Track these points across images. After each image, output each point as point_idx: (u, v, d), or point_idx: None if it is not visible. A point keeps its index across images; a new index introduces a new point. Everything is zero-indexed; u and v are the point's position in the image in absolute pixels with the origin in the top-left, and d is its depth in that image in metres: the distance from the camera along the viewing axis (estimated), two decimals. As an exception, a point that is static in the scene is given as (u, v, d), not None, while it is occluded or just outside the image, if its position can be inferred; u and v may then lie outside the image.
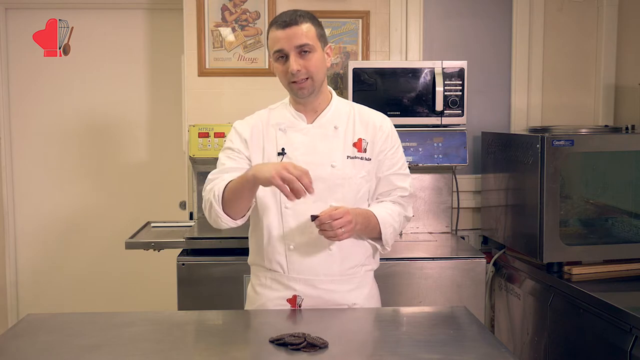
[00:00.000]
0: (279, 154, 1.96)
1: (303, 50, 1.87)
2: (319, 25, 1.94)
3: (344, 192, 1.94)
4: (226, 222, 1.90)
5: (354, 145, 1.97)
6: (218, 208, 1.87)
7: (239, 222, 1.92)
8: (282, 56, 1.89)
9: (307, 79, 1.90)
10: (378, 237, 1.98)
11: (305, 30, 1.88)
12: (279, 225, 1.94)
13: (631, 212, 2.85)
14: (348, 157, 1.96)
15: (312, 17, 1.93)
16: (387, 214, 1.97)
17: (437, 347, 1.64)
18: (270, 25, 1.93)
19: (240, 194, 1.84)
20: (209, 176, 1.98)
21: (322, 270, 1.94)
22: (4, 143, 3.80)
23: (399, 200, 2.03)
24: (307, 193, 1.72)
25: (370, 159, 1.98)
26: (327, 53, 1.96)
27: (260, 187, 1.84)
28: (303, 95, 1.93)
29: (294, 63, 1.87)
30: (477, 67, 3.33)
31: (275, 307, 1.97)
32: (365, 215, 1.92)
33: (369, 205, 2.02)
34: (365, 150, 1.97)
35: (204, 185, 1.98)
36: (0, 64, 3.75)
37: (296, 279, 1.95)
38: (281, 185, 1.71)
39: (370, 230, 1.95)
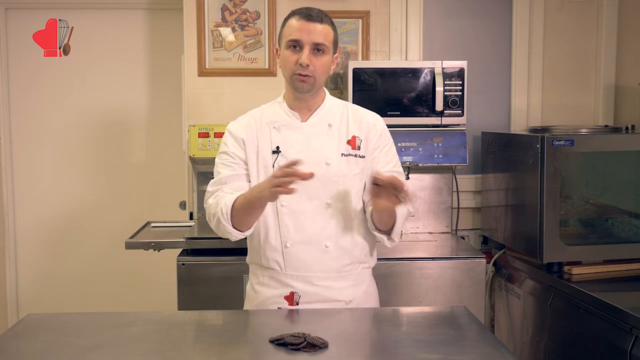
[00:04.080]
0: (273, 152, 1.97)
1: (317, 49, 1.90)
2: (336, 32, 1.98)
3: (339, 190, 1.95)
4: (236, 236, 1.95)
5: (348, 142, 1.99)
6: (227, 225, 1.90)
7: (247, 233, 1.96)
8: (295, 46, 1.91)
9: (311, 76, 1.91)
10: (387, 232, 1.96)
11: (326, 32, 1.92)
12: (275, 224, 1.96)
13: (631, 212, 2.85)
14: (342, 154, 1.97)
15: (333, 23, 1.97)
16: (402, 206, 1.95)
17: (437, 347, 1.64)
18: (292, 14, 1.94)
19: (251, 211, 1.89)
20: (208, 188, 2.02)
21: (318, 267, 1.95)
22: (4, 143, 3.80)
23: None
24: (306, 178, 1.72)
25: (364, 157, 1.99)
26: (333, 60, 1.98)
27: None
28: (302, 90, 1.94)
29: (306, 57, 1.88)
30: (477, 67, 3.33)
31: (273, 305, 1.97)
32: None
33: (363, 203, 2.01)
34: (359, 148, 1.99)
35: (205, 197, 2.02)
36: (0, 64, 3.75)
37: (293, 276, 1.96)
38: (283, 192, 1.74)
39: (390, 220, 1.93)
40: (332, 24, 1.96)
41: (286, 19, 1.96)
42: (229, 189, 1.96)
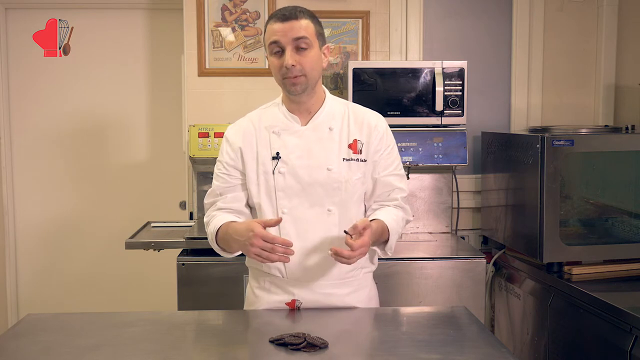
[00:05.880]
0: (273, 158, 1.93)
1: (300, 47, 1.84)
2: (318, 24, 1.91)
3: (341, 195, 1.92)
4: (227, 256, 2.00)
5: (349, 146, 1.94)
6: (217, 249, 1.98)
7: (237, 253, 1.98)
8: (278, 50, 1.86)
9: (301, 75, 1.86)
10: (382, 243, 1.95)
11: (304, 26, 1.85)
12: (277, 231, 1.91)
13: (631, 212, 2.85)
14: (344, 159, 1.93)
15: (312, 15, 1.90)
16: (393, 221, 1.94)
17: (437, 347, 1.64)
18: (269, 18, 1.89)
19: (230, 249, 1.93)
20: (205, 200, 2.04)
21: (320, 274, 1.93)
22: (4, 143, 3.80)
23: (401, 204, 2.00)
24: (288, 255, 1.76)
25: (365, 160, 1.95)
26: (324, 53, 1.92)
27: (257, 193, 1.94)
28: (296, 92, 1.89)
29: (290, 57, 1.83)
30: (477, 67, 3.33)
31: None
32: (381, 230, 1.89)
33: (365, 208, 2.01)
34: (360, 152, 1.95)
35: (204, 208, 2.05)
36: (0, 64, 3.75)
37: (295, 283, 1.94)
38: (262, 261, 1.77)
39: (379, 240, 1.92)
40: (312, 17, 1.89)
41: (265, 26, 1.92)
42: (223, 202, 1.97)
